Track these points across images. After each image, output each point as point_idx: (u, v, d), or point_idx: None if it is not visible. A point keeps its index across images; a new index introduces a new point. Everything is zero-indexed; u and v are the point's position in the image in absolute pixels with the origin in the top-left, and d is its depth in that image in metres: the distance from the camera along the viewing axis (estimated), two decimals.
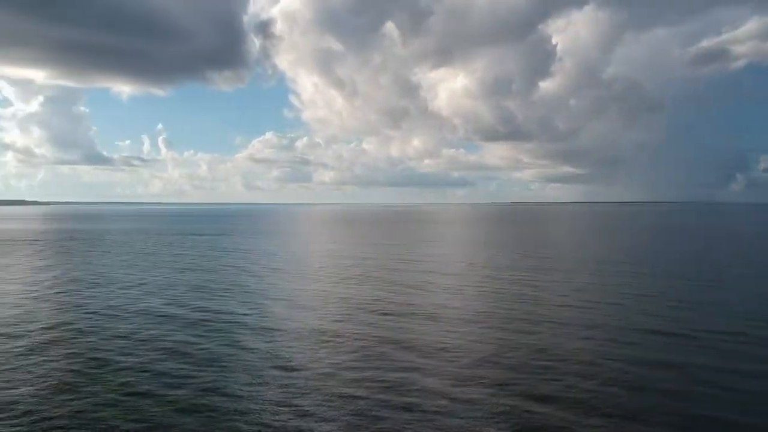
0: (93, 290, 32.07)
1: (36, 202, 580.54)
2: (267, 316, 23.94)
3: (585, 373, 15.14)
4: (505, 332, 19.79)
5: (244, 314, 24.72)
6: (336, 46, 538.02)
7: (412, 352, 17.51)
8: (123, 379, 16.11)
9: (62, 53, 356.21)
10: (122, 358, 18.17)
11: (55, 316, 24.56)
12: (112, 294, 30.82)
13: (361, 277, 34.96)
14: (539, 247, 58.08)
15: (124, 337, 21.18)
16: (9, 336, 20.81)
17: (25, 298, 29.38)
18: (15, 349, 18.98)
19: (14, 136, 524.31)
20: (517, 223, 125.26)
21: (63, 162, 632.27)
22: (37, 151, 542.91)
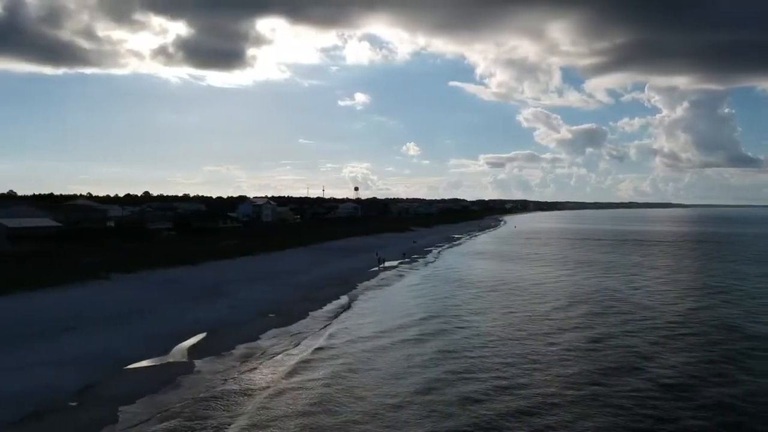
0: (707, 298, 32.86)
1: (680, 204, 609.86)
2: None
3: None
4: None
5: None
6: None
7: None
8: None
9: (703, 58, 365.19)
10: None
11: (659, 317, 27.26)
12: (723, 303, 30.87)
13: None
14: None
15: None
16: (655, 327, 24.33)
17: (646, 296, 33.12)
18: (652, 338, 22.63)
19: (662, 141, 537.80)
20: None
21: (707, 165, 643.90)
22: (682, 155, 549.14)
